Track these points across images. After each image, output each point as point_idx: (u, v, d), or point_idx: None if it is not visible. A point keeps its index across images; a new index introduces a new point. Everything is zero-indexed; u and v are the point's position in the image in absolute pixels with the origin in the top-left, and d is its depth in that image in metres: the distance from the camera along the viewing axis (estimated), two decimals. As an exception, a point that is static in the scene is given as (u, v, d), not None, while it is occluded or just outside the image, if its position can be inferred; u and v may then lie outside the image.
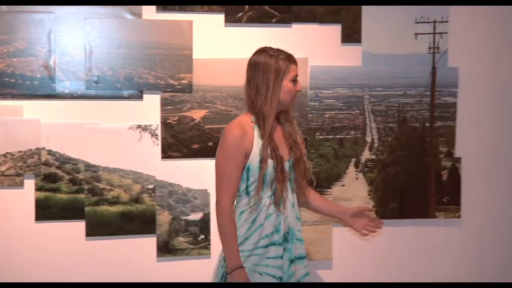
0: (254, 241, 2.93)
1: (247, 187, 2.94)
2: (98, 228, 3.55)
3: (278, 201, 2.95)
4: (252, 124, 2.94)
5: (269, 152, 2.92)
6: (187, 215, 3.65)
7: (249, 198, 2.94)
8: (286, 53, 2.98)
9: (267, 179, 2.92)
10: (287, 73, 2.94)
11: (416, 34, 3.75)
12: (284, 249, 2.98)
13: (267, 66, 2.92)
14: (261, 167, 2.90)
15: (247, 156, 2.90)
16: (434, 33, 3.76)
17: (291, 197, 3.02)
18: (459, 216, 3.86)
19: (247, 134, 2.90)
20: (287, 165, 3.00)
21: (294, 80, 2.98)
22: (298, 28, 3.68)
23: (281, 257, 2.96)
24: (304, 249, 3.07)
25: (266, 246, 2.94)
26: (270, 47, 2.99)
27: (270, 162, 2.91)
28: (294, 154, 3.04)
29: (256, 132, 2.93)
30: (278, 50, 2.98)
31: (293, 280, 3.00)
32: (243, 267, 2.86)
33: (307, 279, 3.05)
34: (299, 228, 3.05)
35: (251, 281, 2.88)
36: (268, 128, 2.91)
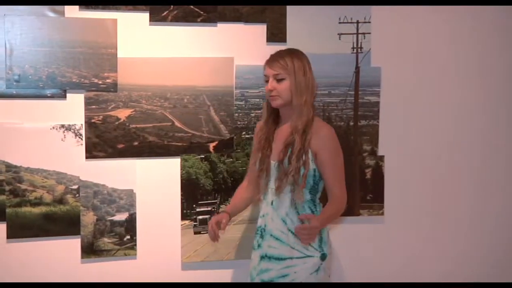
0: None
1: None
2: (20, 229, 3.54)
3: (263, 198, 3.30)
4: None
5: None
6: (113, 215, 3.68)
7: None
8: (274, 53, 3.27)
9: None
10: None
11: (340, 34, 3.86)
12: (258, 245, 3.26)
13: None
14: None
15: None
16: (357, 34, 3.88)
17: (270, 196, 3.25)
18: (382, 214, 4.01)
19: None
20: (273, 164, 3.23)
21: (266, 81, 3.23)
22: (223, 28, 3.73)
23: (253, 248, 3.29)
24: (287, 251, 3.19)
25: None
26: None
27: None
28: (278, 157, 3.21)
29: None
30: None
31: (264, 277, 3.21)
32: None
33: (286, 281, 3.18)
34: (280, 228, 3.21)
35: None
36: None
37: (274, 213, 3.25)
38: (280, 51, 3.29)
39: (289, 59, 3.20)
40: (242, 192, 3.52)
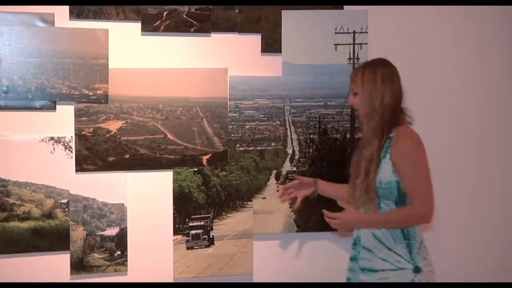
0: None
1: None
2: (7, 245, 3.54)
3: None
4: None
5: None
6: (103, 230, 3.68)
7: None
8: None
9: None
10: None
11: (336, 44, 3.89)
12: (354, 257, 3.31)
13: None
14: None
15: None
16: (353, 44, 3.91)
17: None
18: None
19: None
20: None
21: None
22: (217, 38, 3.77)
23: (351, 259, 3.32)
24: (380, 263, 3.19)
25: None
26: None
27: None
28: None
29: None
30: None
31: None
32: None
33: None
34: (371, 240, 3.22)
35: None
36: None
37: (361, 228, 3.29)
38: (362, 63, 3.31)
39: (360, 72, 3.23)
40: None
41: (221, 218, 3.84)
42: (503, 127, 4.22)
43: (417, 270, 3.15)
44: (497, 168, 4.23)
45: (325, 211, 3.24)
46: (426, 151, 3.18)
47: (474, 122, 4.17)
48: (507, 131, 4.23)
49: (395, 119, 3.20)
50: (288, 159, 3.93)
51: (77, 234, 3.65)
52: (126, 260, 3.73)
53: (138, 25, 3.67)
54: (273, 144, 3.91)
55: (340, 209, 3.28)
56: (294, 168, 3.91)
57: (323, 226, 3.83)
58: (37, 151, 3.57)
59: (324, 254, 3.98)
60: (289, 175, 3.89)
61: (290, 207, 3.90)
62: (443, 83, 4.09)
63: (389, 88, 3.19)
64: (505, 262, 4.26)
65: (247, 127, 3.86)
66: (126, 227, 3.72)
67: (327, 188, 3.60)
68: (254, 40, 3.83)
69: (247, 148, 3.87)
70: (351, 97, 3.28)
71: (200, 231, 3.81)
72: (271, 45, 3.84)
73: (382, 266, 3.19)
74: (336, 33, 3.90)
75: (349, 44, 3.91)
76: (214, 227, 3.84)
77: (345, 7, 3.90)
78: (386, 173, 3.15)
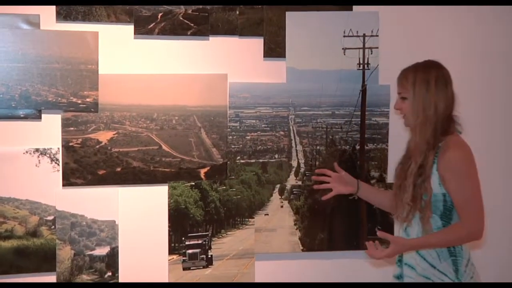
0: None
1: None
2: (-11, 266, 3.50)
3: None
4: None
5: None
6: (92, 249, 3.63)
7: None
8: None
9: None
10: None
11: (345, 48, 3.84)
12: (400, 275, 3.22)
13: None
14: None
15: None
16: (363, 48, 3.85)
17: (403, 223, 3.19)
18: (392, 247, 3.90)
19: None
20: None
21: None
22: (216, 41, 3.73)
23: (397, 277, 3.23)
24: (422, 280, 3.11)
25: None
26: None
27: None
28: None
29: None
30: None
31: None
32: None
33: None
34: (414, 257, 3.14)
35: None
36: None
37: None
38: (412, 65, 3.18)
39: (411, 75, 3.10)
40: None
41: (220, 236, 3.78)
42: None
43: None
44: (496, 169, 4.16)
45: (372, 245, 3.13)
46: (476, 164, 3.09)
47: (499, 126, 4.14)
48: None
49: (447, 127, 3.10)
50: (292, 172, 3.88)
51: (64, 253, 3.59)
52: (118, 282, 3.67)
53: (130, 28, 3.62)
54: (276, 156, 3.86)
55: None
56: (300, 182, 3.88)
57: (331, 245, 3.86)
58: (21, 164, 3.52)
59: (331, 276, 3.93)
60: (294, 190, 3.85)
61: (295, 224, 3.87)
62: (462, 91, 3.93)
63: (443, 94, 3.08)
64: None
65: (248, 137, 3.80)
66: (118, 246, 3.66)
67: (369, 193, 3.45)
68: (256, 44, 3.78)
69: (249, 161, 3.81)
70: (398, 100, 3.17)
71: (197, 250, 3.76)
72: (274, 49, 3.79)
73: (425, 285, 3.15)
74: (344, 36, 3.84)
75: (359, 48, 3.86)
76: (212, 246, 3.79)
77: (354, 7, 3.86)
78: (432, 185, 3.07)
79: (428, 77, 3.06)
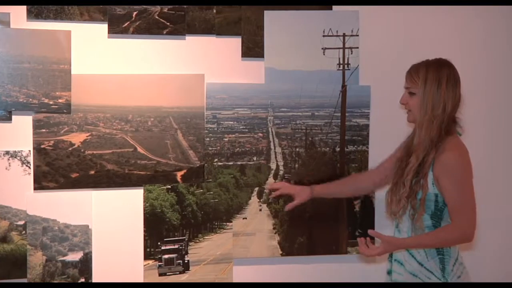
0: None
1: None
2: (-43, 273, 3.47)
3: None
4: None
5: None
6: (65, 255, 3.60)
7: None
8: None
9: None
10: None
11: (324, 48, 3.83)
12: (390, 270, 3.31)
13: None
14: None
15: None
16: (343, 48, 3.85)
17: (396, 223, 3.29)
18: (373, 251, 3.91)
19: None
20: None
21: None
22: (193, 41, 3.71)
23: (388, 272, 3.31)
24: (410, 278, 3.18)
25: None
26: None
27: None
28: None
29: None
30: None
31: None
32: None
33: None
34: (403, 253, 3.21)
35: None
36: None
37: (399, 236, 3.26)
38: (423, 61, 3.23)
39: (423, 71, 3.16)
40: (357, 177, 3.60)
41: (197, 241, 3.77)
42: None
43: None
44: (498, 169, 4.21)
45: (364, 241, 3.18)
46: (472, 167, 3.16)
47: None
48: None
49: (449, 128, 3.17)
50: (271, 175, 3.87)
51: (36, 259, 3.55)
52: (92, 282, 3.65)
53: (104, 27, 3.60)
54: (255, 158, 3.85)
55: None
56: None
57: (310, 250, 3.87)
58: (-10, 167, 3.49)
59: (311, 281, 3.91)
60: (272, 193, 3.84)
61: (274, 228, 3.86)
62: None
63: (453, 94, 3.14)
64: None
65: (226, 139, 3.79)
66: (91, 252, 3.63)
67: (324, 190, 3.59)
68: (233, 44, 3.76)
69: (226, 163, 3.80)
70: (405, 95, 3.23)
71: (174, 255, 3.74)
72: (253, 49, 3.78)
73: (413, 281, 3.20)
74: (324, 36, 3.84)
75: (339, 48, 3.85)
76: (189, 251, 3.77)
77: (334, 7, 3.85)
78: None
79: (440, 75, 3.12)
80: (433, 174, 3.10)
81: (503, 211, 4.20)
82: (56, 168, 3.55)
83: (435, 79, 3.13)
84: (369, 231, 3.13)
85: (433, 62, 3.20)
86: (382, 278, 3.88)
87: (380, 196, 3.81)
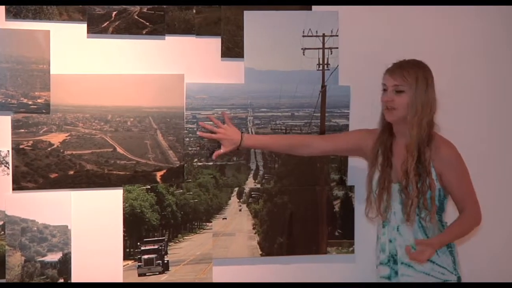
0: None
1: None
2: None
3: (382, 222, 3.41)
4: None
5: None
6: (44, 256, 3.59)
7: None
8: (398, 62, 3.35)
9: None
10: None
11: (304, 49, 3.85)
12: (394, 272, 3.35)
13: None
14: None
15: None
16: (323, 48, 3.86)
17: (395, 221, 3.35)
18: (352, 252, 3.95)
19: None
20: (394, 187, 3.32)
21: (384, 90, 3.32)
22: (172, 41, 3.71)
23: (388, 277, 3.36)
24: (423, 278, 3.27)
25: (379, 265, 3.46)
26: None
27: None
28: (400, 180, 3.31)
29: None
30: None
31: None
32: None
33: None
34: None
35: None
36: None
37: (401, 239, 3.33)
38: (405, 60, 3.32)
39: (413, 71, 3.25)
40: (306, 139, 3.60)
41: (177, 241, 3.77)
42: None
43: (459, 280, 3.28)
44: (498, 169, 4.26)
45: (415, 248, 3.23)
46: None
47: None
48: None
49: (433, 126, 3.31)
50: (251, 175, 3.88)
51: (14, 260, 3.55)
52: (71, 282, 3.64)
53: (83, 26, 3.60)
54: (234, 158, 3.86)
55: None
56: (258, 185, 3.88)
57: (290, 250, 3.85)
58: (-32, 168, 3.50)
59: (291, 281, 3.91)
60: (252, 193, 3.86)
61: (254, 228, 3.87)
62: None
63: (434, 94, 3.28)
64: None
65: (205, 139, 3.75)
66: (70, 252, 3.63)
67: (256, 141, 3.57)
68: (213, 44, 3.77)
69: (206, 163, 3.80)
70: (390, 93, 3.29)
71: (153, 255, 3.74)
72: (232, 49, 3.79)
73: (426, 281, 3.27)
74: (303, 36, 3.85)
75: (318, 48, 3.87)
76: (169, 251, 3.77)
77: (314, 7, 3.86)
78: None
79: (427, 76, 3.25)
80: (435, 170, 3.22)
81: (503, 211, 4.22)
82: (35, 169, 3.54)
83: (424, 79, 3.22)
84: (416, 241, 3.19)
85: (419, 62, 3.29)
86: (361, 278, 3.96)
87: (360, 195, 3.84)
